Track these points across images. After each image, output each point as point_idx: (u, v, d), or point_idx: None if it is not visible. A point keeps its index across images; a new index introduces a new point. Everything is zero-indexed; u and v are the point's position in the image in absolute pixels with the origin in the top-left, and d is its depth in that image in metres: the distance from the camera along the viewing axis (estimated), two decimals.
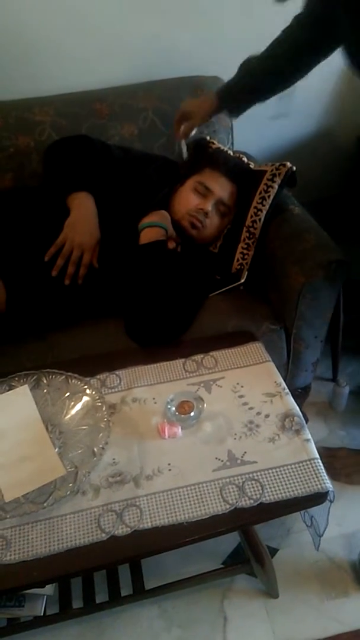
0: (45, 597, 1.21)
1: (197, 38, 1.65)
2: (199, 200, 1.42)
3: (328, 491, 0.95)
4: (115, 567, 1.26)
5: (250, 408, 1.10)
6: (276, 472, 0.97)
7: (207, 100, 1.46)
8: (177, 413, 1.06)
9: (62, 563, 0.88)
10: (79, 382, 1.14)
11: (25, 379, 1.15)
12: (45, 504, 0.93)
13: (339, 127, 1.97)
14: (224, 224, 1.48)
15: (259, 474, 0.97)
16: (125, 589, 1.23)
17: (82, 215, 1.33)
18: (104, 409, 1.08)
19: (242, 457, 1.00)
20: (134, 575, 1.24)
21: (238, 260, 1.45)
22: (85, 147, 1.47)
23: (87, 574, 1.22)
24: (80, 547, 0.89)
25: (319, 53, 1.26)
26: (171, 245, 1.38)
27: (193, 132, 1.51)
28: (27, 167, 1.57)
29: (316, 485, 0.95)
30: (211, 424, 1.07)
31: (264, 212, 1.41)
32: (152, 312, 1.27)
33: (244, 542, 1.29)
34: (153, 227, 1.34)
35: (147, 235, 1.33)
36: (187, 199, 1.43)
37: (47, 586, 1.19)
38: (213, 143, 1.59)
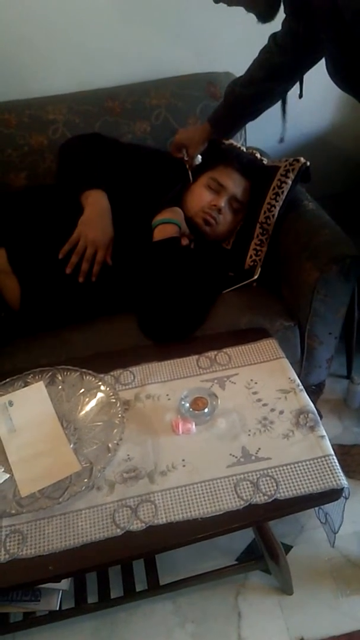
0: (60, 591, 1.22)
1: (209, 34, 1.64)
2: (212, 197, 1.42)
3: (343, 487, 0.94)
4: (130, 563, 1.27)
5: (264, 404, 1.09)
6: (291, 468, 0.97)
7: (199, 129, 1.52)
8: (190, 409, 1.06)
9: (77, 558, 0.89)
10: (93, 379, 1.14)
11: (40, 376, 1.16)
12: (60, 499, 0.93)
13: (353, 121, 1.94)
14: (237, 221, 1.47)
15: (273, 470, 0.97)
16: (139, 585, 1.24)
17: (96, 213, 1.34)
18: (118, 405, 1.08)
19: (256, 453, 1.00)
20: (148, 570, 1.25)
21: (251, 256, 1.44)
22: (98, 145, 1.47)
23: (102, 569, 1.23)
24: (95, 542, 0.90)
25: (299, 72, 1.28)
26: (184, 242, 1.38)
27: (198, 160, 1.55)
28: (40, 166, 1.58)
29: (331, 481, 0.95)
30: (225, 420, 1.07)
31: (278, 208, 1.40)
32: (165, 308, 1.27)
33: (258, 538, 1.29)
34: (167, 224, 1.35)
35: (161, 232, 1.34)
36: (200, 196, 1.43)
37: (62, 581, 1.20)
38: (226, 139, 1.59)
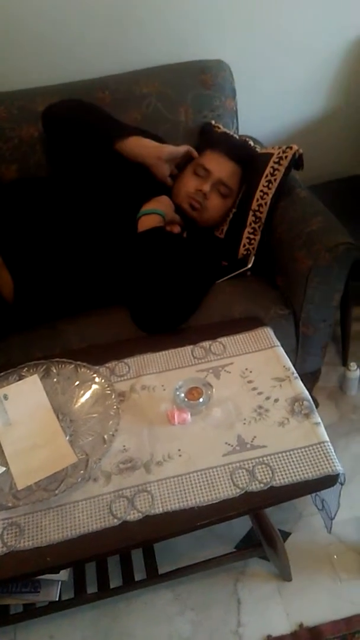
0: (59, 582, 1.22)
1: (200, 21, 1.62)
2: (198, 182, 1.41)
3: (339, 474, 0.95)
4: (129, 553, 1.28)
5: (260, 393, 1.09)
6: (286, 455, 0.97)
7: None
8: (186, 399, 1.07)
9: (75, 549, 0.90)
10: (88, 371, 1.14)
11: (35, 369, 1.16)
12: (57, 491, 0.94)
13: (347, 107, 1.93)
14: (226, 206, 1.46)
15: (269, 458, 0.97)
16: (138, 574, 1.25)
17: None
18: (113, 396, 1.08)
19: (251, 441, 1.00)
20: (147, 560, 1.26)
21: (244, 245, 1.44)
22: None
23: (100, 559, 1.24)
24: (92, 532, 0.90)
25: None
26: (176, 229, 1.37)
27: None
28: (31, 158, 1.56)
29: (326, 467, 0.95)
30: (220, 410, 1.07)
31: (270, 195, 1.39)
32: (154, 298, 1.26)
33: (255, 526, 1.29)
34: (149, 215, 1.34)
35: (144, 224, 1.33)
36: (187, 182, 1.43)
37: (61, 572, 1.20)
38: (218, 127, 1.58)
